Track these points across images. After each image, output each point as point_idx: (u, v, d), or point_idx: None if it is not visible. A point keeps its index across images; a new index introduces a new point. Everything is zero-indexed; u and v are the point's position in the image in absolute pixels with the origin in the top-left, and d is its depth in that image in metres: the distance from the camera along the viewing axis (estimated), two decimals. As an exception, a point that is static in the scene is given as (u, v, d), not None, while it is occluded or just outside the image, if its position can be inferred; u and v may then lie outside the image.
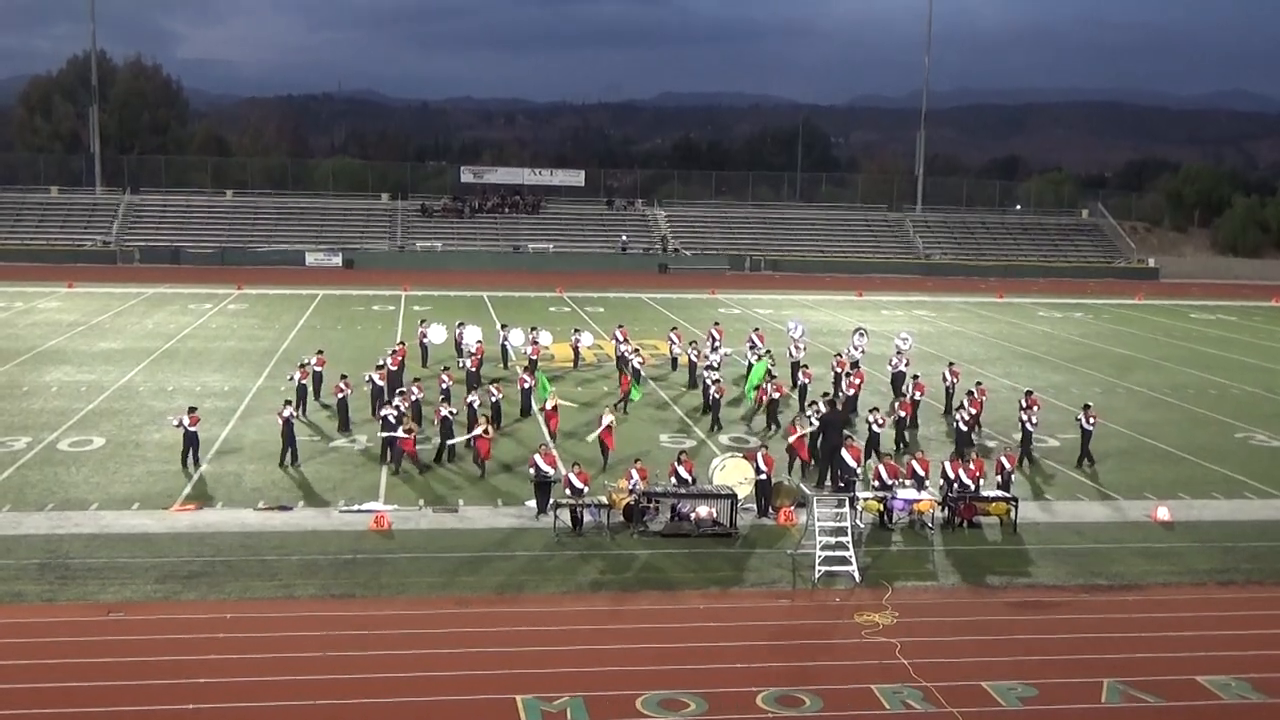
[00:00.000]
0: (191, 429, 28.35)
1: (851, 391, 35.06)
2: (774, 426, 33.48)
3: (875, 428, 29.79)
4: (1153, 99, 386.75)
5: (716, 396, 34.23)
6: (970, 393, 33.97)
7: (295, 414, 29.76)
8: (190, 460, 28.29)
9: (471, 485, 27.38)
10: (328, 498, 26.13)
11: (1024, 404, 32.08)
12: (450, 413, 29.61)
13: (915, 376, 36.79)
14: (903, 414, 32.58)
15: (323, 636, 18.68)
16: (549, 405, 31.13)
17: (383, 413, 29.35)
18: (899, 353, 40.22)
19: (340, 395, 32.61)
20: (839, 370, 37.20)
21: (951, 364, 38.12)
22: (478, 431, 28.14)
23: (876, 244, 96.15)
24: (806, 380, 36.94)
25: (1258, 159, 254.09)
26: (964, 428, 30.64)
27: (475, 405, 30.95)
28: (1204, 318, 66.74)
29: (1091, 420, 30.87)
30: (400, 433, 28.01)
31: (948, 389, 36.11)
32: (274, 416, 29.79)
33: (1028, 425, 30.63)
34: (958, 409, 32.08)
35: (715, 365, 38.59)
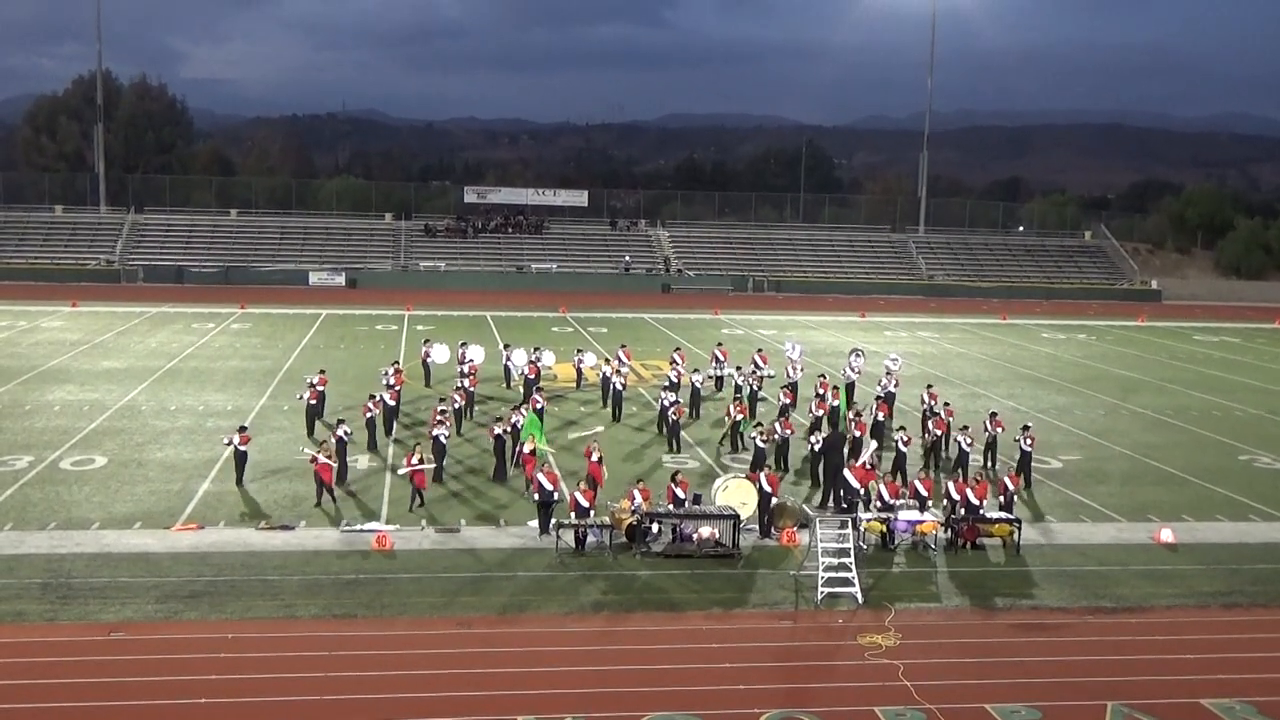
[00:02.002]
0: (242, 448, 28.33)
1: (821, 412, 34.93)
2: (738, 448, 33.35)
3: (817, 448, 29.59)
4: (1155, 121, 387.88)
5: (674, 418, 33.97)
6: (936, 414, 33.93)
7: (348, 432, 29.44)
8: (241, 479, 28.34)
9: (474, 505, 27.33)
10: (330, 517, 26.08)
11: (987, 424, 32.22)
12: (504, 430, 29.67)
13: (878, 398, 36.70)
14: (858, 433, 32.16)
15: (325, 657, 18.63)
16: (527, 449, 28.79)
17: (435, 433, 29.37)
18: (888, 373, 40.21)
19: (369, 415, 32.46)
20: (821, 392, 37.20)
21: (930, 386, 37.98)
22: (414, 462, 26.97)
23: (879, 265, 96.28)
24: (788, 401, 36.84)
25: (1260, 181, 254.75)
26: (903, 448, 30.35)
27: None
28: (1207, 340, 66.71)
29: (1029, 442, 30.65)
30: (322, 458, 26.96)
31: (924, 411, 35.85)
32: (276, 435, 29.79)
33: (963, 445, 30.54)
34: (899, 429, 31.94)
35: (699, 385, 38.95)
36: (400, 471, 28.11)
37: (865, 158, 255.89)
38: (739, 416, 33.77)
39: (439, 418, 30.48)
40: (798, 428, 33.69)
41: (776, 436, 31.21)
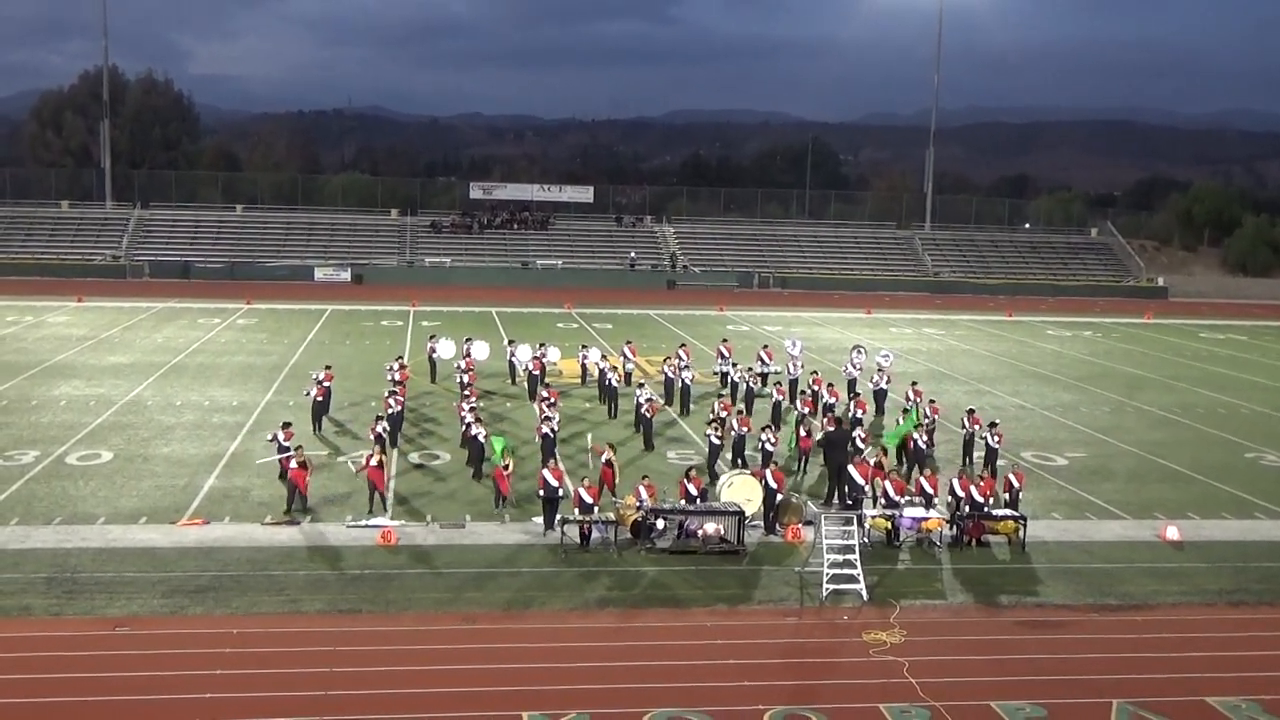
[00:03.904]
0: (286, 443, 27.87)
1: (806, 409, 34.69)
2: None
3: (769, 446, 29.15)
4: (1161, 118, 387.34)
5: (648, 415, 33.66)
6: (908, 409, 33.73)
7: (386, 429, 29.25)
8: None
9: (479, 502, 27.32)
10: (335, 513, 26.10)
11: (965, 421, 32.13)
12: (550, 430, 29.43)
13: (856, 395, 36.58)
14: (830, 429, 31.61)
15: (329, 652, 18.64)
16: (502, 465, 27.14)
17: (474, 431, 29.26)
18: (880, 370, 40.02)
19: (390, 411, 32.22)
20: (815, 388, 37.16)
21: (914, 383, 37.65)
22: (373, 462, 26.31)
23: (885, 262, 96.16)
24: (780, 398, 36.65)
25: (1267, 178, 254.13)
26: (859, 444, 30.17)
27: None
28: (1213, 337, 66.59)
29: (997, 438, 30.60)
30: (294, 463, 26.23)
31: (906, 408, 35.42)
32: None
33: (920, 444, 30.44)
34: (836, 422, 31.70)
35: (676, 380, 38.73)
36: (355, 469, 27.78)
37: (871, 154, 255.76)
38: (723, 413, 33.19)
39: (469, 415, 30.31)
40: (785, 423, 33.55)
41: (734, 433, 30.99)
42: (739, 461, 30.06)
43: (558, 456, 28.83)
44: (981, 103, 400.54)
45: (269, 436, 29.10)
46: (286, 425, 28.90)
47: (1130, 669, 19.02)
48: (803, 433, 31.35)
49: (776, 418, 35.43)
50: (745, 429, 30.93)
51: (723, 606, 21.35)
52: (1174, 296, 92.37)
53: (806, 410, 34.66)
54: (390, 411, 32.04)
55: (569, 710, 16.81)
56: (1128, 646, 20.06)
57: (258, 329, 56.55)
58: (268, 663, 18.28)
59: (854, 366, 41.50)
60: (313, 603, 20.82)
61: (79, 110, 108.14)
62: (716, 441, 29.98)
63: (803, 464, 31.23)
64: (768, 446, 29.11)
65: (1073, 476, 31.63)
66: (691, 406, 38.18)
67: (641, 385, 36.48)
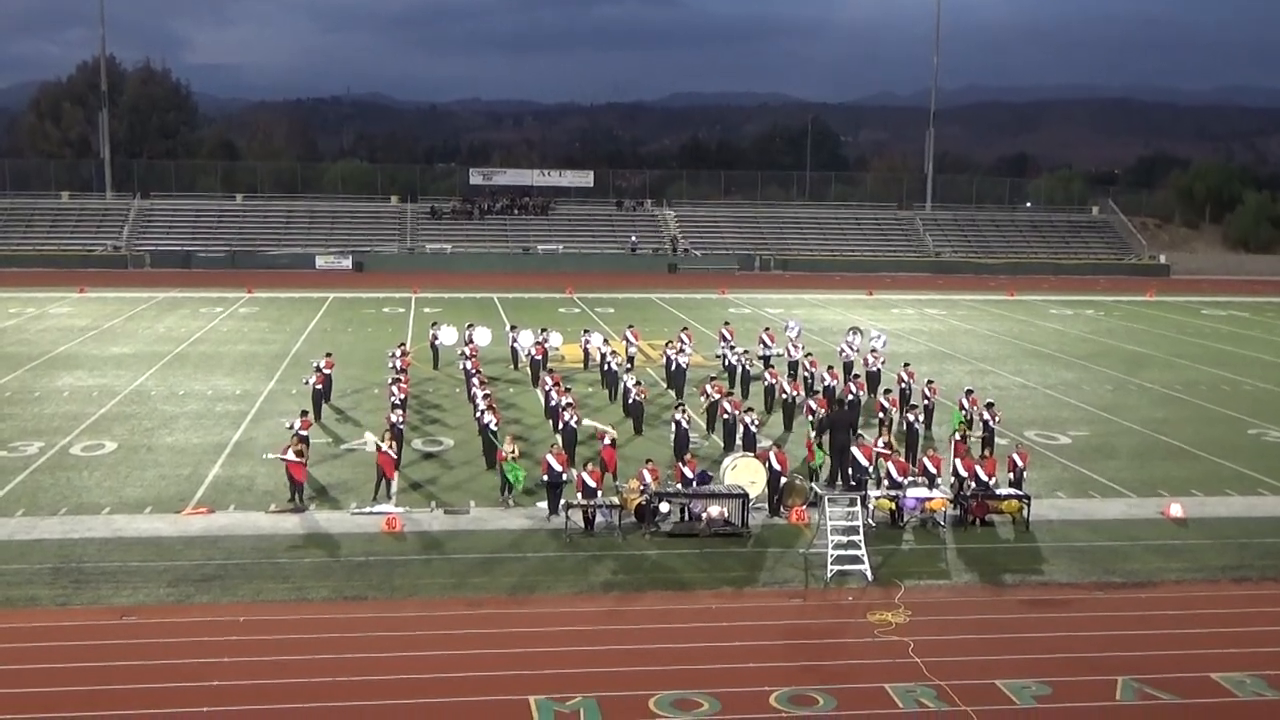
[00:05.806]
0: (303, 432, 27.82)
1: (796, 393, 34.56)
2: (713, 428, 32.78)
3: (753, 429, 29.06)
4: (1162, 95, 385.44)
5: (638, 399, 33.42)
6: (890, 391, 33.60)
7: (402, 418, 29.22)
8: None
9: (484, 489, 27.33)
10: (340, 500, 26.15)
11: (963, 401, 31.99)
12: (573, 419, 29.24)
13: (856, 376, 36.48)
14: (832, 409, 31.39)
15: (336, 639, 18.70)
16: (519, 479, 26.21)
17: (486, 420, 29.18)
18: (874, 352, 39.89)
19: (393, 400, 32.23)
20: (811, 370, 37.08)
21: (906, 364, 37.24)
22: (384, 447, 26.12)
23: (886, 242, 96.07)
24: (773, 380, 36.58)
25: (1268, 154, 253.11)
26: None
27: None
28: (1216, 314, 66.54)
29: (996, 418, 30.57)
30: (291, 455, 25.69)
31: (902, 390, 34.75)
32: (285, 419, 29.88)
33: (915, 425, 30.41)
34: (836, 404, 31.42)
35: (629, 366, 38.43)
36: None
37: (871, 135, 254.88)
38: (716, 396, 33.08)
39: (484, 403, 30.38)
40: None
41: (726, 416, 30.90)
42: (729, 445, 29.98)
43: (575, 447, 28.69)
44: (981, 82, 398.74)
45: (287, 424, 29.11)
46: (304, 414, 28.95)
47: (1135, 646, 19.05)
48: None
49: (770, 401, 35.42)
50: (736, 411, 30.81)
51: (727, 589, 21.40)
52: (1176, 274, 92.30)
53: (795, 394, 34.34)
54: (394, 400, 32.07)
55: (575, 694, 16.86)
56: (1132, 624, 20.10)
57: (260, 318, 56.57)
58: (274, 650, 18.34)
59: (850, 349, 41.29)
60: (318, 590, 20.87)
61: (77, 101, 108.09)
62: (685, 426, 29.78)
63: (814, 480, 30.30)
64: (752, 429, 29.07)
65: (1076, 455, 31.64)
66: (689, 390, 38.13)
67: (629, 370, 36.46)
